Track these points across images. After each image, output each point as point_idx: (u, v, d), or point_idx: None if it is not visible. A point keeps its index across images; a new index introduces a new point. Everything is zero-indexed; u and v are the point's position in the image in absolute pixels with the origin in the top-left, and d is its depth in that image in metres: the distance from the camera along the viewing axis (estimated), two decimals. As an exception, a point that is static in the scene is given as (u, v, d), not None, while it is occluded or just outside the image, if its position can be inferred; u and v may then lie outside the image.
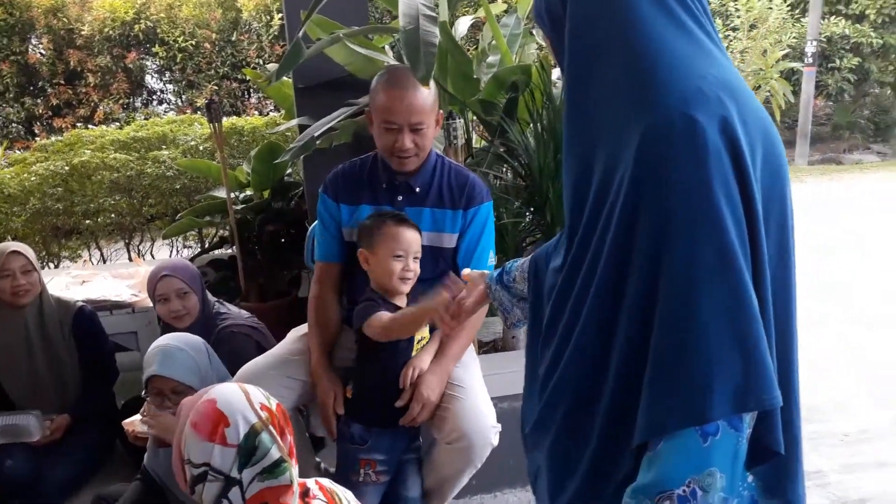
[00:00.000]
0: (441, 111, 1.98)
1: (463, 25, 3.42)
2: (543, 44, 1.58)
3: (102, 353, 2.55)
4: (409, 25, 1.97)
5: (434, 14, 2.07)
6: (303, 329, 2.08)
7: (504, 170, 2.80)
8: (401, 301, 1.79)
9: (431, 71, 1.84)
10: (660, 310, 0.89)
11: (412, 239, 1.77)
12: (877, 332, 4.07)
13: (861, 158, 11.50)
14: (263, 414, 1.20)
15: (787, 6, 10.22)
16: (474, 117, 2.98)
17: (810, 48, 10.61)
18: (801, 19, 11.34)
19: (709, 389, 0.85)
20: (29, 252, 2.40)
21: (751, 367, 0.86)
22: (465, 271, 1.49)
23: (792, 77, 10.85)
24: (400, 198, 1.95)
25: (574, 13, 0.99)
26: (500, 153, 2.54)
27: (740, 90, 0.95)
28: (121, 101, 8.56)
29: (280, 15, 8.54)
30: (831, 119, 12.85)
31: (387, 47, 3.16)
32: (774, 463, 0.97)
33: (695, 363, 0.86)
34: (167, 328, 2.32)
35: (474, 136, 3.16)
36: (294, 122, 2.82)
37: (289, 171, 3.52)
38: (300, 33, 2.03)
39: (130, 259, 4.18)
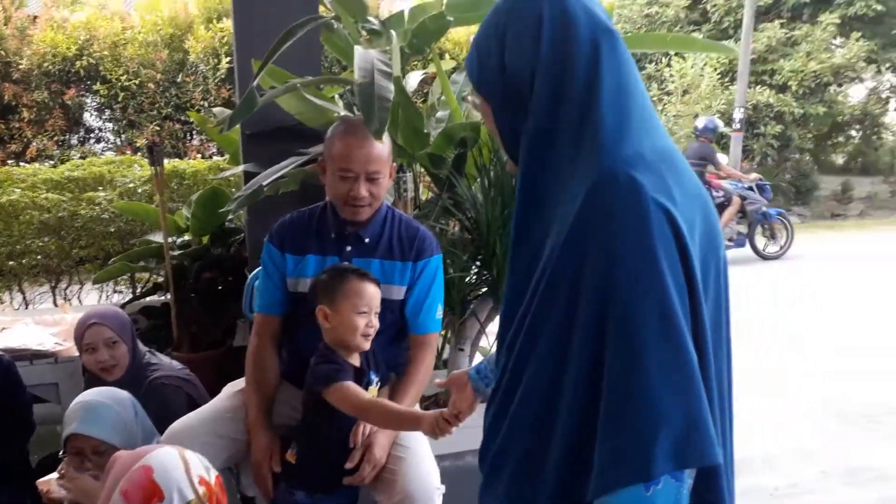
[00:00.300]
0: (394, 163, 1.99)
1: (413, 80, 3.45)
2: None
3: (18, 406, 2.37)
4: (364, 79, 1.98)
5: (389, 70, 2.09)
6: (239, 384, 2.01)
7: (450, 223, 2.81)
8: (355, 360, 1.75)
9: (385, 125, 1.85)
10: (606, 368, 0.91)
11: (375, 294, 1.74)
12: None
13: (785, 220, 12.04)
14: (201, 489, 1.13)
15: (717, 74, 10.78)
16: (421, 170, 2.99)
17: (738, 114, 11.20)
18: (730, 87, 11.97)
19: (652, 446, 0.87)
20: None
21: (692, 425, 0.88)
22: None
23: (721, 141, 11.37)
24: (349, 248, 1.92)
25: (541, 92, 1.01)
26: (448, 206, 2.54)
27: (678, 160, 1.00)
28: (56, 138, 8.30)
29: (228, 59, 8.50)
30: (756, 182, 13.46)
31: (336, 97, 3.16)
32: None
33: (639, 421, 0.88)
34: (92, 380, 2.21)
35: (421, 189, 3.17)
36: (240, 168, 2.78)
37: (230, 216, 3.45)
38: (254, 83, 2.01)
39: (56, 304, 3.99)
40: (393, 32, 2.68)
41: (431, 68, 3.54)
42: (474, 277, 2.49)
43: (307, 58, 2.81)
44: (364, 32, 2.69)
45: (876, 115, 16.04)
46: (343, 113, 2.61)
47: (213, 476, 1.17)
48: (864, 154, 16.68)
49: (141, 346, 2.30)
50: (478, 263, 2.49)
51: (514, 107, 1.04)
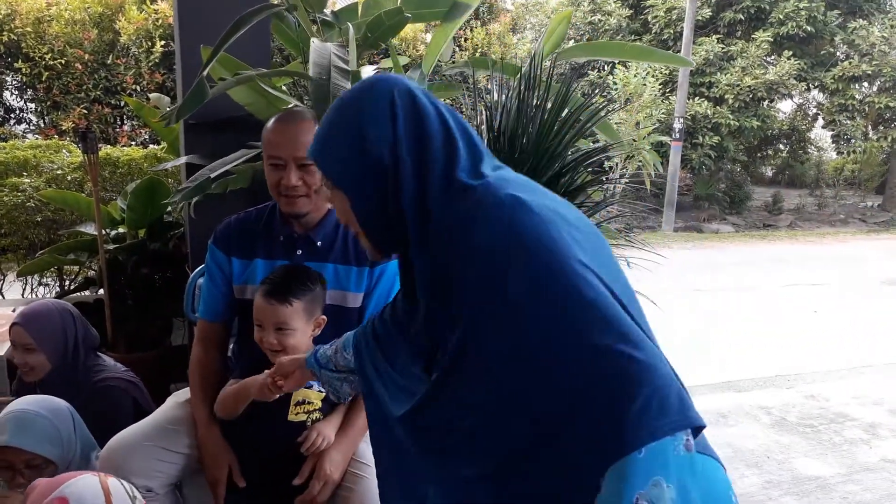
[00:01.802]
0: None
1: (365, 75, 3.35)
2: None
3: None
4: (319, 76, 1.86)
5: (346, 67, 1.98)
6: (184, 394, 1.87)
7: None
8: None
9: None
10: None
11: (272, 311, 1.63)
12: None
13: (719, 228, 12.45)
14: None
15: (659, 84, 11.01)
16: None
17: (677, 124, 11.48)
18: (670, 97, 12.26)
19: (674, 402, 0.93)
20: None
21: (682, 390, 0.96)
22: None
23: (661, 150, 11.64)
24: (299, 252, 1.80)
25: (405, 169, 1.09)
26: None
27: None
28: (-28, 118, 7.81)
29: (163, 42, 8.15)
30: (691, 190, 13.88)
31: (284, 87, 3.03)
32: None
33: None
34: (20, 383, 2.05)
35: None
36: (182, 159, 2.61)
37: (168, 209, 3.26)
38: (204, 72, 1.87)
39: (-27, 296, 3.71)
40: (350, 25, 2.57)
41: (383, 63, 3.45)
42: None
43: (256, 47, 2.67)
44: (316, 24, 2.57)
45: (802, 131, 16.76)
46: (296, 104, 2.48)
47: None
48: (791, 167, 17.42)
49: (92, 348, 2.17)
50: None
51: (376, 191, 1.08)
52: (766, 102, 14.02)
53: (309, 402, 1.70)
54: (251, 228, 1.85)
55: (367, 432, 1.75)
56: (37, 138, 7.42)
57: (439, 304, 1.05)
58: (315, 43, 2.05)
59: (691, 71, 12.30)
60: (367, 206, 1.10)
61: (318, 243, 1.80)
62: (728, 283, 8.08)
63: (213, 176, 2.11)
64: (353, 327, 1.80)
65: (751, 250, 10.53)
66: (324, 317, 1.72)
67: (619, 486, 0.88)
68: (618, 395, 0.89)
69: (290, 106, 2.40)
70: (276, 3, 2.46)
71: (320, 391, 1.68)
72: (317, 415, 1.70)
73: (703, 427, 0.96)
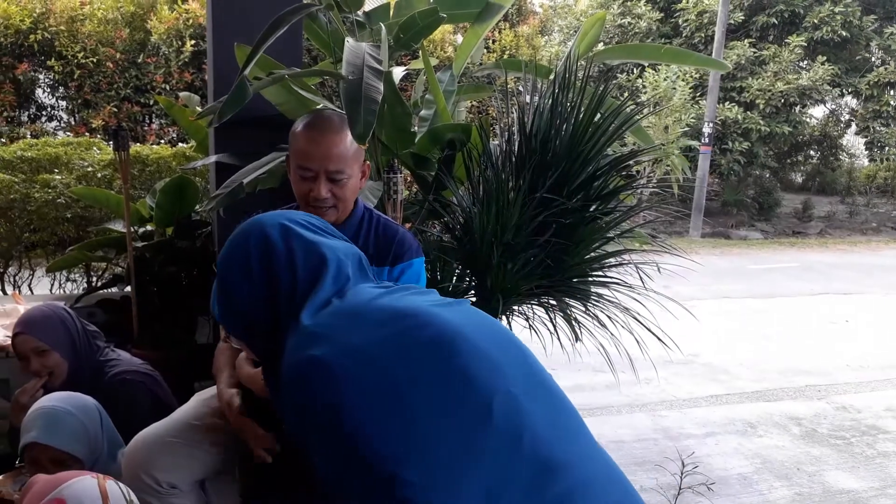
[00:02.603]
0: (368, 162, 1.84)
1: (396, 77, 3.33)
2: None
3: None
4: (351, 76, 1.84)
5: (380, 67, 1.95)
6: (207, 392, 1.86)
7: (432, 226, 2.70)
8: None
9: (371, 129, 1.68)
10: None
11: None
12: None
13: (747, 235, 12.27)
14: None
15: (689, 88, 10.88)
16: (404, 170, 2.87)
17: (707, 129, 11.33)
18: (700, 101, 12.11)
19: None
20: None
21: None
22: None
23: (689, 154, 11.50)
24: None
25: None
26: (434, 209, 2.43)
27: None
28: (5, 115, 7.92)
29: (193, 42, 8.22)
30: (720, 196, 13.70)
31: (313, 87, 3.02)
32: None
33: None
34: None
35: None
36: (212, 158, 2.61)
37: (197, 207, 3.27)
38: (245, 72, 1.86)
39: (4, 291, 3.74)
40: (382, 26, 2.55)
41: (413, 65, 3.42)
42: (465, 288, 2.37)
43: (290, 46, 2.66)
44: (347, 24, 2.56)
45: (834, 137, 16.47)
46: (327, 105, 2.47)
47: None
48: (821, 174, 17.12)
49: (100, 342, 2.16)
50: (468, 271, 2.38)
51: (251, 333, 1.19)
52: (797, 108, 13.79)
53: None
54: None
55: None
56: (68, 135, 7.52)
57: None
58: (350, 42, 2.02)
59: (722, 75, 12.14)
60: (258, 350, 1.23)
61: None
62: (757, 290, 7.95)
63: (245, 181, 2.11)
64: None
65: (780, 258, 10.36)
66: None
67: None
68: None
69: (318, 107, 2.39)
70: (311, 2, 2.45)
71: None
72: None
73: None
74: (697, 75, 11.75)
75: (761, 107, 13.05)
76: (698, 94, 12.37)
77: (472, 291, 2.35)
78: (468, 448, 0.93)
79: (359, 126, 1.67)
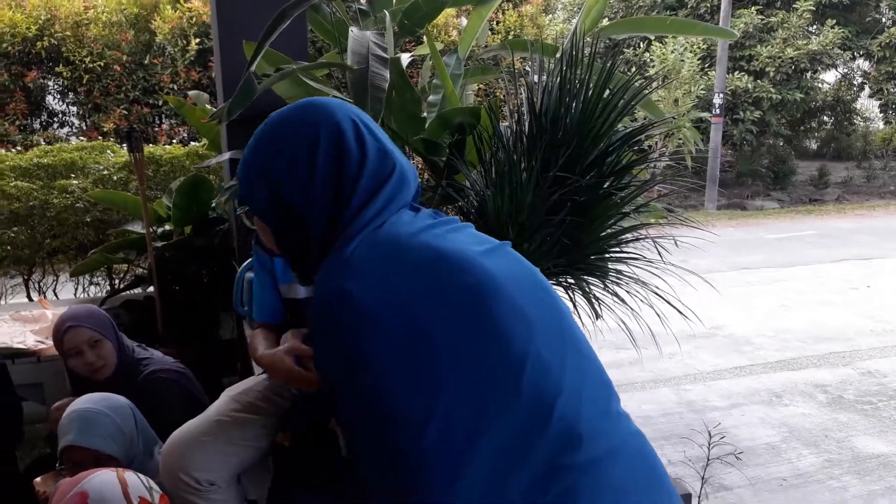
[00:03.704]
0: None
1: (403, 62, 3.33)
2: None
3: (9, 410, 2.25)
4: (357, 65, 1.85)
5: (385, 55, 1.96)
6: (238, 388, 1.88)
7: (447, 210, 2.70)
8: None
9: (379, 116, 1.72)
10: None
11: None
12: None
13: (763, 205, 12.15)
14: None
15: (698, 60, 10.76)
16: (415, 157, 2.88)
17: (717, 100, 11.20)
18: (709, 72, 11.97)
19: None
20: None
21: None
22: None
23: (700, 126, 11.39)
24: None
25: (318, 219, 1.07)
26: (449, 193, 2.43)
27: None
28: (17, 123, 7.99)
29: (198, 40, 8.24)
30: (733, 167, 13.56)
31: (321, 78, 3.03)
32: None
33: None
34: (78, 380, 2.07)
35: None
36: (225, 155, 2.63)
37: (213, 205, 3.30)
38: (252, 68, 1.87)
39: (29, 297, 3.80)
40: (386, 13, 2.55)
41: (419, 50, 3.41)
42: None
43: (295, 39, 2.67)
44: (350, 13, 2.56)
45: (848, 102, 16.23)
46: (337, 95, 2.48)
47: (156, 497, 1.10)
48: (836, 140, 16.90)
49: (127, 341, 2.19)
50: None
51: (296, 231, 1.07)
52: (808, 74, 13.60)
53: None
54: None
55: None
56: (80, 140, 7.58)
57: None
58: (353, 32, 2.03)
59: (730, 44, 11.98)
60: (289, 243, 1.12)
61: None
62: (776, 259, 7.90)
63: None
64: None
65: (797, 226, 10.26)
66: None
67: None
68: None
69: (327, 96, 2.40)
70: (312, -7, 2.45)
71: None
72: None
73: None
74: (705, 46, 11.60)
75: (772, 74, 12.89)
76: (707, 65, 12.22)
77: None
78: (494, 414, 0.92)
79: (366, 112, 1.68)
